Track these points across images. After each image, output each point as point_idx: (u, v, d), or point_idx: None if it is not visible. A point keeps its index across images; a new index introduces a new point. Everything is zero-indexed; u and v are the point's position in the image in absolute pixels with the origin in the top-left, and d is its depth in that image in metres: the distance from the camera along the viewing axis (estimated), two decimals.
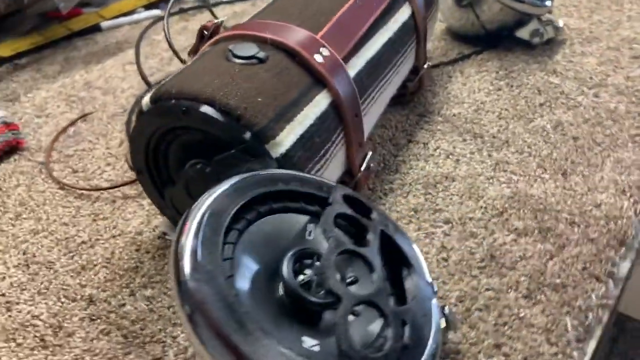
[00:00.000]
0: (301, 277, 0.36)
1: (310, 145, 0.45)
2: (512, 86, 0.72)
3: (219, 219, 0.35)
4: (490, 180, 0.58)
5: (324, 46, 0.49)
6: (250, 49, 0.47)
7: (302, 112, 0.45)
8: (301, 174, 0.41)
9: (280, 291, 0.36)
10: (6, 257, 0.52)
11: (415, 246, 0.41)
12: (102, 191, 0.59)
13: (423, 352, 0.34)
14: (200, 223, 0.34)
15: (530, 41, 0.79)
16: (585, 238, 0.51)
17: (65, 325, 0.46)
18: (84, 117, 0.71)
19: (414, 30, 0.63)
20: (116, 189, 0.59)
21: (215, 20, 0.54)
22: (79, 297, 0.48)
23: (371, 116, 0.56)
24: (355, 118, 0.51)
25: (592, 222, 0.52)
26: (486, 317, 0.45)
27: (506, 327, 0.44)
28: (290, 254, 0.37)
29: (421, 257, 0.41)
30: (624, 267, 0.49)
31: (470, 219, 0.54)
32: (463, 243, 0.51)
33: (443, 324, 0.38)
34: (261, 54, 0.47)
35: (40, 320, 0.47)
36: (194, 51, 0.54)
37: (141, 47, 0.83)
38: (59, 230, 0.55)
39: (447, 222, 0.54)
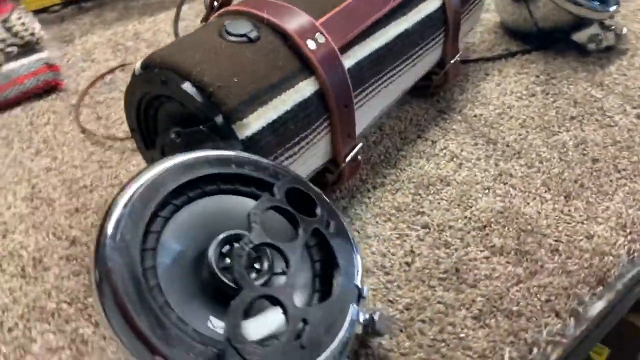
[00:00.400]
0: (228, 260, 0.37)
1: (283, 131, 0.46)
2: (547, 94, 0.68)
3: (154, 192, 0.37)
4: (486, 191, 0.56)
5: (320, 32, 0.49)
6: (244, 27, 0.47)
7: (280, 97, 0.46)
8: (259, 159, 0.42)
9: (205, 271, 0.37)
10: (17, 189, 0.58)
11: (355, 247, 0.41)
12: (115, 141, 0.63)
13: (319, 354, 0.35)
14: (133, 194, 0.36)
15: (585, 46, 0.73)
16: (561, 269, 0.48)
17: (45, 260, 0.51)
18: (122, 66, 0.75)
19: (443, 24, 0.61)
20: (127, 140, 0.63)
21: None
22: (64, 236, 0.53)
23: (371, 108, 0.55)
24: (345, 109, 0.50)
25: (576, 254, 0.49)
26: (427, 330, 0.44)
27: (443, 345, 0.43)
28: (222, 236, 0.38)
29: (358, 260, 0.40)
30: (596, 307, 0.46)
31: (450, 227, 0.52)
32: (433, 251, 0.50)
33: (359, 330, 0.38)
34: (253, 34, 0.47)
35: (27, 251, 0.51)
36: (204, 19, 0.55)
37: (194, 6, 0.85)
38: (68, 171, 0.60)
39: (425, 226, 0.53)
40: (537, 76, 0.70)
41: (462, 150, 0.60)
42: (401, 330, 0.44)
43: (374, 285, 0.48)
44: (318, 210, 0.41)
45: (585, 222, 0.52)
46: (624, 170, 0.57)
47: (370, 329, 0.40)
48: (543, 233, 0.51)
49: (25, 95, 0.69)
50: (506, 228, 0.52)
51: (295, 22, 0.48)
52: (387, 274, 0.48)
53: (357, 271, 0.40)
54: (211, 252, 0.37)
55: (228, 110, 0.43)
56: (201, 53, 0.45)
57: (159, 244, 0.36)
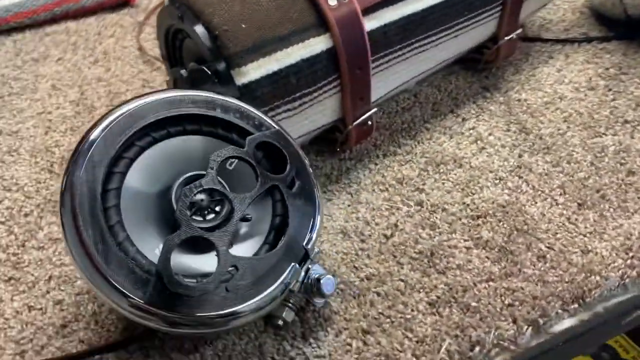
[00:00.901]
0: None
1: (284, 84, 0.47)
2: (610, 90, 0.62)
3: (133, 123, 0.40)
4: (497, 181, 0.54)
5: None
6: None
7: (285, 50, 0.46)
8: (249, 108, 0.44)
9: (165, 204, 0.40)
10: (68, 92, 0.64)
11: (317, 211, 0.42)
12: (162, 63, 0.67)
13: (242, 302, 0.37)
14: (112, 121, 0.39)
15: None
16: (539, 278, 0.46)
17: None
18: None
19: None
20: None
21: None
22: None
23: (396, 74, 0.54)
24: (358, 71, 0.50)
25: (562, 266, 0.47)
26: (378, 303, 0.45)
27: (387, 320, 0.44)
28: (187, 175, 0.41)
29: (316, 223, 0.42)
30: (564, 323, 0.44)
31: (443, 210, 0.51)
32: (416, 229, 0.50)
33: (296, 288, 0.40)
34: None
35: (59, 150, 0.58)
36: None
37: None
38: (115, 84, 0.65)
39: (419, 203, 0.52)
40: (607, 69, 0.64)
41: (490, 134, 0.58)
42: (354, 297, 0.45)
43: (346, 249, 0.49)
44: (288, 168, 0.42)
45: (588, 235, 0.49)
46: None
47: (315, 289, 0.41)
48: (537, 237, 0.49)
49: (101, 6, 0.74)
50: (501, 223, 0.50)
51: None
52: (362, 241, 0.49)
53: (311, 233, 0.41)
54: (174, 188, 0.40)
55: (229, 55, 0.45)
56: None
57: (130, 168, 0.40)
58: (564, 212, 0.51)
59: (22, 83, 0.65)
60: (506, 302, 0.45)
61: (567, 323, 0.44)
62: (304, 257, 0.41)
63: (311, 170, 0.44)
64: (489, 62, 0.64)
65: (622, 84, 0.62)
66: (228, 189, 0.39)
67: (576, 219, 0.50)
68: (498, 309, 0.44)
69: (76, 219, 0.36)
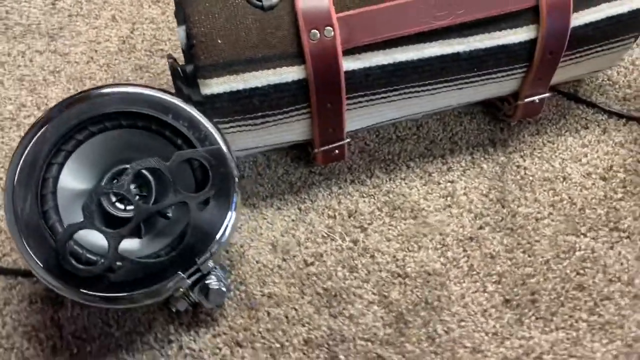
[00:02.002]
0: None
1: (245, 103, 0.49)
2: (624, 187, 0.57)
3: (89, 109, 0.46)
4: (439, 247, 0.54)
5: (331, 26, 0.48)
6: None
7: (253, 74, 0.48)
8: (200, 119, 0.48)
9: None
10: (122, 26, 0.70)
11: (222, 234, 0.46)
12: None
13: (118, 293, 0.44)
14: (73, 103, 0.46)
15: None
16: (414, 357, 0.48)
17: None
18: None
19: (526, 60, 0.53)
20: None
21: None
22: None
23: (380, 113, 0.54)
24: (329, 105, 0.51)
25: (445, 355, 0.48)
26: (262, 322, 0.50)
27: (260, 341, 0.49)
28: (117, 168, 0.47)
29: (215, 242, 0.46)
30: None
31: (372, 256, 0.53)
32: (336, 267, 0.53)
33: (178, 293, 0.46)
34: (268, 2, 0.49)
35: (90, 82, 0.66)
36: None
37: None
38: (163, 30, 0.70)
39: (353, 241, 0.54)
40: (635, 154, 0.58)
41: (464, 194, 0.57)
42: (248, 309, 0.50)
43: (266, 262, 0.53)
44: (206, 188, 0.46)
45: (491, 335, 0.49)
46: (593, 317, 0.50)
47: (204, 296, 0.47)
48: (441, 317, 0.50)
49: None
50: (416, 290, 0.51)
51: (313, 4, 0.48)
52: (284, 260, 0.53)
53: (207, 252, 0.46)
54: (106, 176, 0.47)
55: (198, 66, 0.48)
56: (216, 2, 0.49)
57: (77, 149, 0.46)
58: (485, 302, 0.51)
59: (90, 6, 0.72)
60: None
61: None
62: (195, 270, 0.46)
63: (237, 194, 0.48)
64: (507, 116, 0.60)
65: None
66: (154, 186, 0.46)
67: (491, 314, 0.50)
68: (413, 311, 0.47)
69: (14, 178, 0.44)
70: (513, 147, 0.59)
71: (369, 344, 0.49)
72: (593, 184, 0.57)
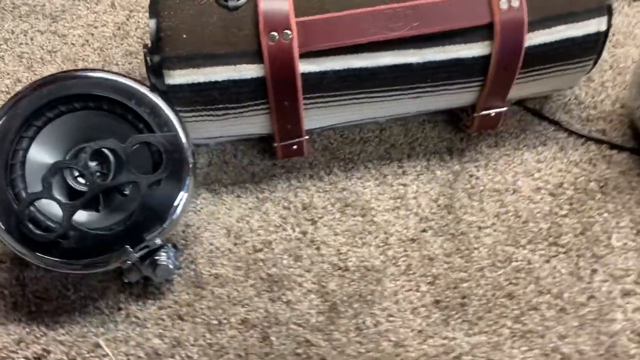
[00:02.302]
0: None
1: (206, 94, 0.53)
2: (571, 204, 0.58)
3: (59, 90, 0.50)
4: (381, 245, 0.57)
5: (289, 30, 0.51)
6: None
7: (213, 68, 0.52)
8: (163, 107, 0.52)
9: None
10: (120, 13, 0.75)
11: (169, 219, 0.50)
12: None
13: (69, 259, 0.48)
14: (45, 84, 0.50)
15: None
16: (340, 345, 0.51)
17: None
18: None
19: (480, 74, 0.55)
20: None
21: None
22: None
23: (338, 114, 0.57)
24: (286, 103, 0.54)
25: (369, 346, 0.51)
26: (205, 300, 0.54)
27: (201, 316, 0.53)
28: (78, 147, 0.51)
29: (167, 223, 0.50)
30: None
31: (317, 248, 0.56)
32: (282, 255, 0.56)
33: (126, 266, 0.50)
34: (234, 3, 0.52)
35: (82, 63, 0.70)
36: None
37: None
38: None
39: (302, 233, 0.57)
40: (590, 181, 0.60)
41: (414, 198, 0.59)
42: (194, 286, 0.54)
43: (219, 245, 0.57)
44: (159, 171, 0.50)
45: (416, 332, 0.52)
46: (517, 324, 0.52)
47: (152, 271, 0.51)
48: (372, 310, 0.53)
49: None
50: (353, 283, 0.54)
51: (274, 8, 0.51)
52: (235, 244, 0.57)
53: (155, 231, 0.50)
54: (71, 151, 0.51)
55: (163, 57, 0.52)
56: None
57: (48, 125, 0.51)
58: (416, 301, 0.53)
59: None
60: (298, 350, 0.51)
61: None
62: (145, 246, 0.50)
63: (190, 178, 0.51)
64: (466, 127, 0.63)
65: (589, 204, 0.58)
66: (113, 165, 0.50)
67: (419, 313, 0.53)
68: (286, 351, 0.51)
69: None
70: (469, 157, 0.62)
71: (301, 328, 0.52)
72: (541, 198, 0.59)
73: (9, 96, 0.67)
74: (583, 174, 0.60)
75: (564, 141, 0.63)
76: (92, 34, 0.73)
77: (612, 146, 0.62)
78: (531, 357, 0.50)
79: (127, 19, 0.74)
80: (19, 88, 0.68)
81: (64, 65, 0.70)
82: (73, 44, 0.72)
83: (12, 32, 0.73)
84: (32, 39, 0.72)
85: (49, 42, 0.72)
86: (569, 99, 0.66)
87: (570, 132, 0.63)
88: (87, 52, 0.71)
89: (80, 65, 0.70)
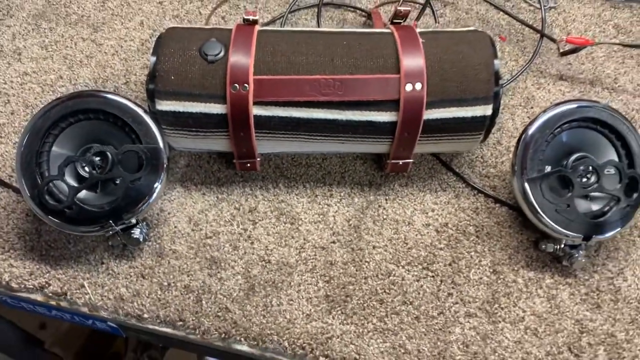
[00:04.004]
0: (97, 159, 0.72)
1: (183, 120, 0.73)
2: (448, 242, 0.76)
3: (72, 106, 0.71)
4: (299, 248, 0.76)
5: (247, 83, 0.70)
6: (213, 50, 0.71)
7: (191, 103, 0.72)
8: (150, 124, 0.71)
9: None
10: (146, 32, 0.95)
11: (144, 204, 0.71)
12: None
13: (72, 225, 0.69)
14: (65, 100, 0.71)
15: (560, 259, 0.75)
16: (249, 313, 0.71)
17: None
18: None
19: (390, 134, 0.73)
20: None
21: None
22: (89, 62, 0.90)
23: (283, 146, 0.76)
24: (242, 134, 0.74)
25: (269, 320, 0.71)
26: (162, 267, 0.74)
27: (155, 278, 0.74)
28: (87, 146, 0.72)
29: (143, 207, 0.71)
30: (243, 347, 0.70)
31: (252, 243, 0.76)
32: (226, 244, 0.76)
33: (113, 232, 0.71)
34: (212, 57, 0.71)
35: (108, 70, 0.91)
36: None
37: None
38: None
39: (243, 229, 0.77)
40: (471, 225, 0.77)
41: (333, 216, 0.78)
42: (158, 256, 0.75)
43: (181, 229, 0.77)
44: (140, 172, 0.70)
45: (305, 314, 0.71)
46: (380, 323, 0.71)
47: (128, 239, 0.72)
48: (278, 294, 0.73)
49: None
50: (271, 272, 0.74)
51: (238, 66, 0.70)
52: (193, 230, 0.77)
53: (132, 213, 0.70)
54: (81, 150, 0.72)
55: (155, 89, 0.72)
56: (180, 49, 0.72)
57: (68, 129, 0.72)
58: (312, 293, 0.73)
59: (129, 10, 0.97)
60: (219, 313, 0.71)
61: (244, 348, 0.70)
62: (124, 222, 0.71)
63: (162, 179, 0.72)
64: (384, 168, 0.81)
65: (463, 243, 0.76)
66: (110, 162, 0.70)
67: (312, 301, 0.72)
68: (211, 313, 0.71)
69: (25, 137, 0.70)
70: (383, 191, 0.80)
71: (225, 298, 0.72)
72: (427, 232, 0.77)
73: (51, 89, 0.89)
74: (466, 219, 0.78)
75: (460, 190, 0.80)
76: (122, 46, 0.93)
77: (497, 200, 0.79)
78: (382, 348, 0.69)
79: (150, 37, 0.94)
80: (60, 84, 0.89)
81: (96, 70, 0.91)
82: (106, 52, 0.93)
83: (62, 36, 0.94)
84: (75, 44, 0.93)
85: (88, 48, 0.93)
86: (476, 157, 0.83)
87: (468, 184, 0.81)
88: (115, 60, 0.92)
89: (109, 71, 0.91)
